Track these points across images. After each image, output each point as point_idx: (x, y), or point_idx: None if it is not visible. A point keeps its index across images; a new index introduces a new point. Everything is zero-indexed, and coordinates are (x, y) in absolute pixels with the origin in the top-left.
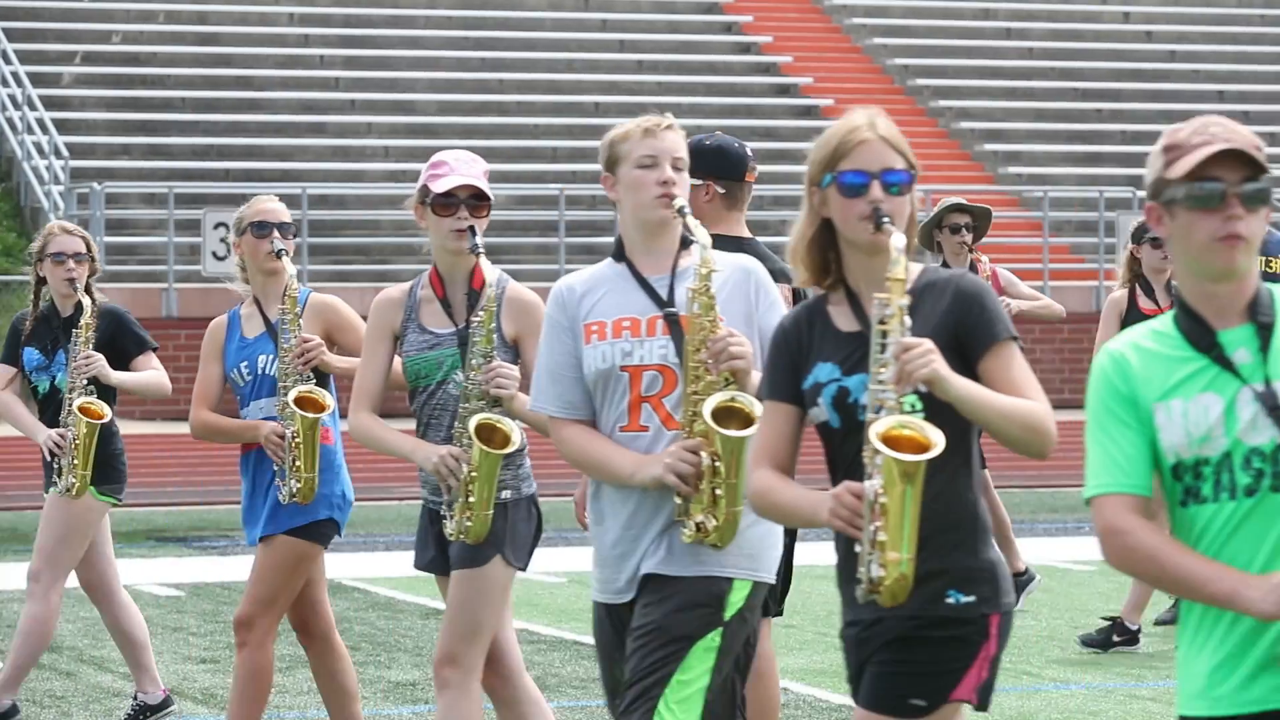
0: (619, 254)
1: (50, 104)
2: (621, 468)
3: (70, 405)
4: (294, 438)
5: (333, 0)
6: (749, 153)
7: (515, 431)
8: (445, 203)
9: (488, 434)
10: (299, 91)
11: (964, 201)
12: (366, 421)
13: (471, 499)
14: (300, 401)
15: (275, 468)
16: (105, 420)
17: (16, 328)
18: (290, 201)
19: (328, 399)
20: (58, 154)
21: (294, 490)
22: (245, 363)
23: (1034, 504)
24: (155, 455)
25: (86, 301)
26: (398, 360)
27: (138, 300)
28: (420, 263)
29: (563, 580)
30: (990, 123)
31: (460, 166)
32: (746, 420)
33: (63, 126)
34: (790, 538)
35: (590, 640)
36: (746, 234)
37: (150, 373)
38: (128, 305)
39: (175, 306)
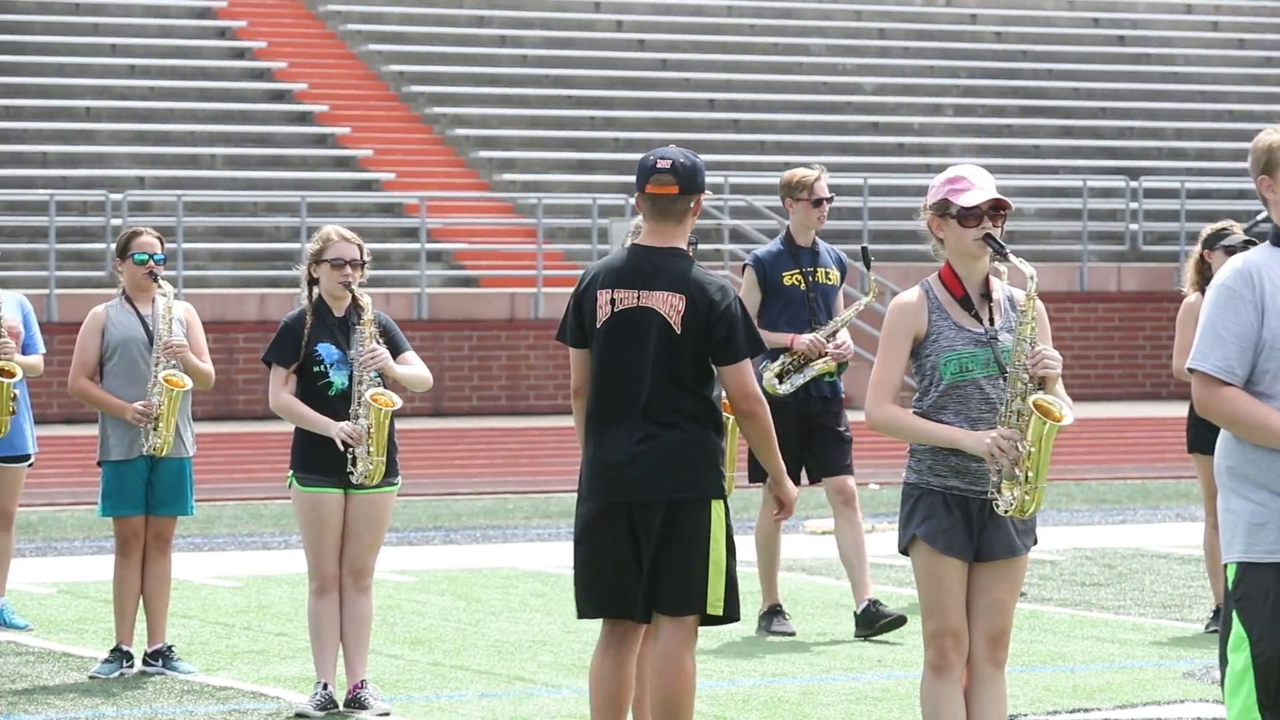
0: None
1: None
2: None
3: (361, 397)
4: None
5: None
6: (649, 163)
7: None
8: (968, 214)
9: (1044, 413)
10: None
11: None
12: (894, 412)
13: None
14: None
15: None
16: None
17: (293, 328)
18: None
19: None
20: None
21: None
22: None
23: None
24: None
25: (367, 300)
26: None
27: None
28: None
29: (52, 591)
30: (484, 130)
31: (979, 181)
32: None
33: None
34: None
35: (80, 651)
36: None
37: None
38: None
39: None
